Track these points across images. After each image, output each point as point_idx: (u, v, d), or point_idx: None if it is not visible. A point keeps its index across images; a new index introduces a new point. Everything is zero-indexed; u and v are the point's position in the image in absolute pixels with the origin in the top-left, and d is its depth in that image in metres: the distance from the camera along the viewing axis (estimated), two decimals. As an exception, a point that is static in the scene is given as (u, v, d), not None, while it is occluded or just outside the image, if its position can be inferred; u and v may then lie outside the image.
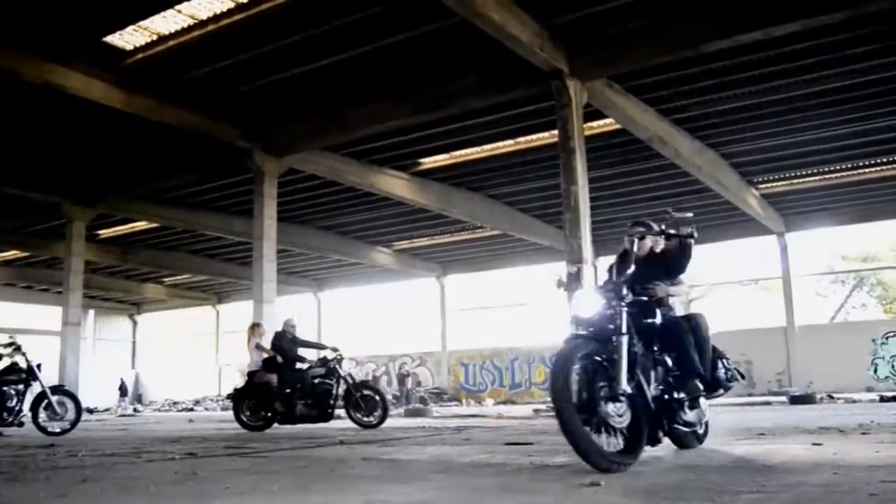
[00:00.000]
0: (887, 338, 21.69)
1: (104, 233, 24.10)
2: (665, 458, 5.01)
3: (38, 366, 11.21)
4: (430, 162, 17.69)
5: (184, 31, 11.58)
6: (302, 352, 12.14)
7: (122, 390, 31.04)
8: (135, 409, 30.06)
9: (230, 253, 27.63)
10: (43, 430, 10.93)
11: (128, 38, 11.95)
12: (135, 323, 39.36)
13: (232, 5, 10.92)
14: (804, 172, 18.88)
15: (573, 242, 12.02)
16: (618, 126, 14.64)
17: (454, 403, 26.19)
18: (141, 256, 27.01)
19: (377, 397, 11.47)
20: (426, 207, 19.94)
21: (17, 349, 11.31)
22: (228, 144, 15.53)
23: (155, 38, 11.89)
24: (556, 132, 12.91)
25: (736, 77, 13.15)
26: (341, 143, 15.88)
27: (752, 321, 28.32)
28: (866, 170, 18.62)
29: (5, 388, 10.96)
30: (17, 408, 10.97)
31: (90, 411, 27.98)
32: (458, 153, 17.18)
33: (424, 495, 3.62)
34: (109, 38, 11.92)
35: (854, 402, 15.79)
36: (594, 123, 14.65)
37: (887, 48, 12.14)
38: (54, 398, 11.13)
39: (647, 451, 5.40)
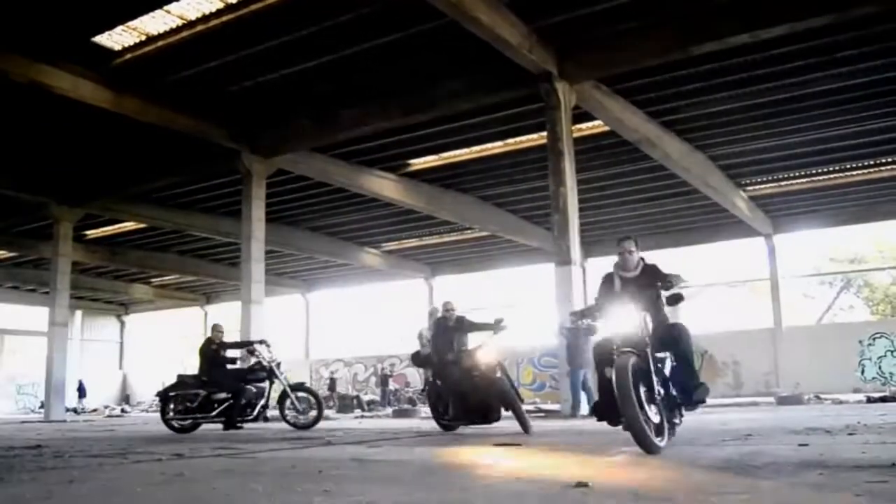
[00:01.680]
0: (874, 339, 21.79)
1: (92, 233, 24.00)
2: (653, 459, 5.02)
3: (278, 364, 11.74)
4: (419, 163, 17.70)
5: (172, 31, 11.56)
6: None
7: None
8: (122, 410, 29.94)
9: (218, 253, 27.55)
10: (291, 424, 11.47)
11: (116, 38, 11.92)
12: (122, 323, 39.17)
13: (221, 6, 10.90)
14: (792, 175, 18.97)
15: (561, 244, 12.06)
16: (606, 128, 14.68)
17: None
18: (129, 257, 26.88)
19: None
20: (415, 209, 19.95)
21: (253, 351, 11.99)
22: (217, 145, 15.50)
23: (143, 38, 11.86)
24: (544, 134, 12.95)
25: (724, 80, 13.21)
26: (330, 144, 15.86)
27: (740, 322, 28.44)
28: (854, 172, 18.72)
29: (249, 386, 11.56)
30: (260, 404, 11.60)
31: (76, 412, 27.89)
32: (447, 154, 17.18)
33: (413, 496, 3.62)
34: (98, 38, 11.89)
35: (841, 402, 15.84)
36: (583, 125, 14.68)
37: (874, 51, 12.22)
38: (295, 395, 11.61)
39: (635, 452, 5.43)
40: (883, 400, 15.61)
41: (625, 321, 5.69)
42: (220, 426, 11.48)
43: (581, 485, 3.72)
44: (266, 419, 12.00)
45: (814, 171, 18.70)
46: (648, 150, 15.38)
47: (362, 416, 18.08)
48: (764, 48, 11.91)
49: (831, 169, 18.54)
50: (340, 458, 5.93)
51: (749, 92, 13.73)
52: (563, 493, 3.57)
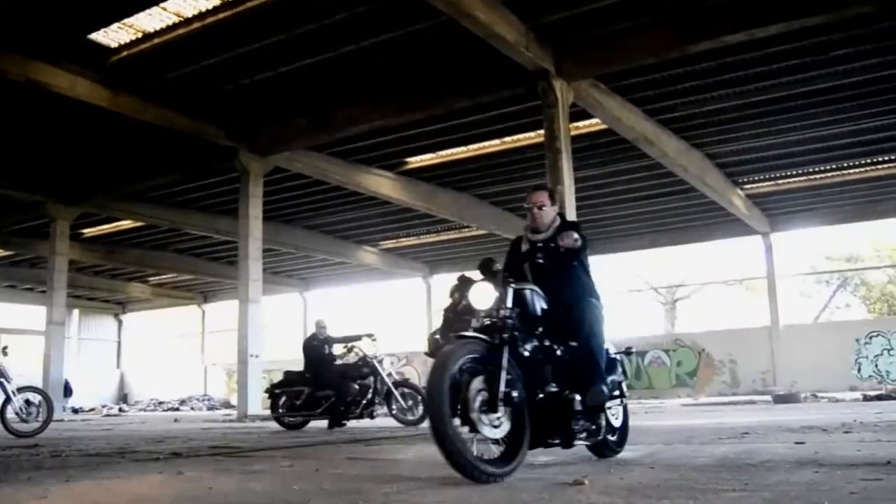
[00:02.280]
0: (871, 337, 21.81)
1: (88, 232, 23.95)
2: (647, 458, 5.03)
3: (381, 360, 11.60)
4: (416, 161, 17.68)
5: (169, 28, 11.53)
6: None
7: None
8: (120, 409, 29.92)
9: (216, 252, 27.52)
10: (400, 420, 11.22)
11: (113, 35, 11.88)
12: (120, 322, 39.09)
13: (218, 3, 10.87)
14: (789, 173, 18.97)
15: (559, 242, 12.05)
16: (604, 126, 14.67)
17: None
18: (126, 255, 26.85)
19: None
20: (412, 207, 19.94)
21: (351, 349, 11.84)
22: (213, 143, 15.48)
23: (140, 35, 11.83)
24: (542, 132, 12.94)
25: (721, 78, 13.21)
26: (327, 142, 15.84)
27: (736, 321, 28.51)
28: (851, 170, 18.73)
29: (353, 383, 11.34)
30: (365, 401, 11.27)
31: (75, 411, 27.89)
32: (444, 153, 17.17)
33: (408, 494, 3.62)
34: (94, 36, 11.84)
35: (838, 401, 15.89)
36: (580, 123, 14.68)
37: (870, 50, 12.22)
38: (399, 391, 11.39)
39: (631, 452, 5.43)
40: (879, 398, 15.65)
41: (486, 296, 4.48)
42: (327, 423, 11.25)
43: (577, 483, 3.73)
44: (372, 416, 11.48)
45: (811, 170, 18.71)
46: (646, 149, 15.38)
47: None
48: (760, 47, 11.92)
49: (828, 167, 18.55)
50: (338, 456, 5.94)
51: (746, 90, 13.74)
52: (560, 490, 3.58)
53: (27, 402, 11.17)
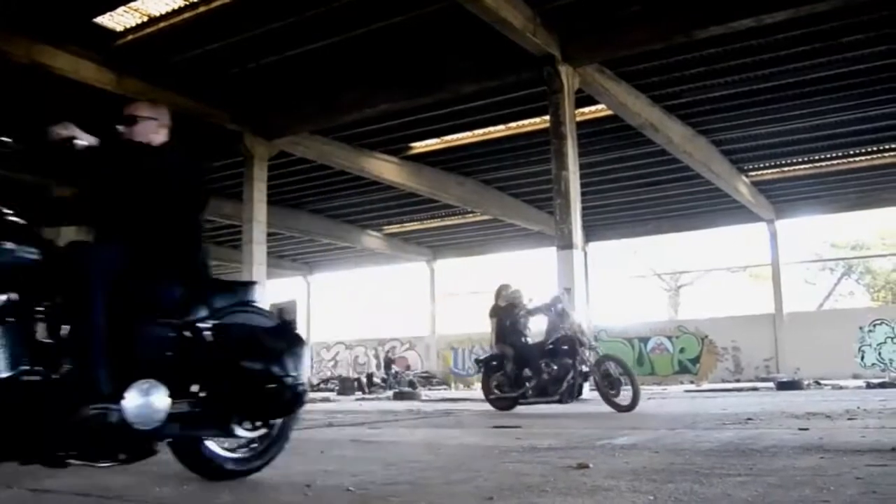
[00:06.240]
0: (874, 325, 21.84)
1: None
2: (651, 443, 5.05)
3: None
4: (421, 146, 17.67)
5: (175, 12, 11.50)
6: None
7: None
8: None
9: (220, 236, 27.46)
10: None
11: (118, 18, 11.85)
12: (124, 305, 39.17)
13: (224, -14, 10.85)
14: (795, 160, 18.93)
15: (563, 228, 12.06)
16: (609, 112, 14.64)
17: (443, 387, 26.25)
18: (130, 239, 26.87)
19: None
20: (417, 192, 19.93)
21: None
22: (218, 127, 15.45)
23: (146, 19, 11.81)
24: (547, 118, 12.91)
25: (728, 64, 13.16)
26: (332, 126, 15.83)
27: (740, 308, 28.52)
28: (857, 158, 18.68)
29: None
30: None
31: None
32: (449, 138, 17.14)
33: (412, 476, 3.64)
34: (100, 19, 11.83)
35: (841, 388, 15.89)
36: (586, 109, 14.64)
37: (879, 37, 12.16)
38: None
39: (636, 437, 5.45)
40: (882, 386, 15.66)
41: None
42: None
43: (581, 466, 3.75)
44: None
45: (816, 157, 18.66)
46: (651, 135, 15.35)
47: (363, 399, 18.14)
48: (768, 33, 11.87)
49: (834, 155, 18.50)
50: (342, 439, 5.96)
51: (752, 77, 13.68)
52: (565, 473, 3.60)
53: (608, 374, 9.36)
